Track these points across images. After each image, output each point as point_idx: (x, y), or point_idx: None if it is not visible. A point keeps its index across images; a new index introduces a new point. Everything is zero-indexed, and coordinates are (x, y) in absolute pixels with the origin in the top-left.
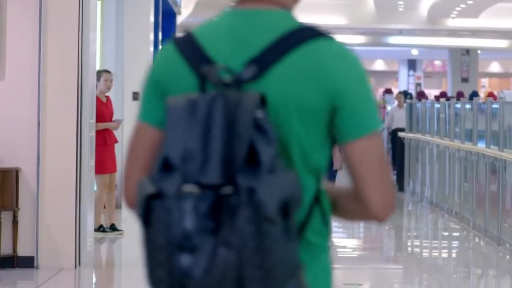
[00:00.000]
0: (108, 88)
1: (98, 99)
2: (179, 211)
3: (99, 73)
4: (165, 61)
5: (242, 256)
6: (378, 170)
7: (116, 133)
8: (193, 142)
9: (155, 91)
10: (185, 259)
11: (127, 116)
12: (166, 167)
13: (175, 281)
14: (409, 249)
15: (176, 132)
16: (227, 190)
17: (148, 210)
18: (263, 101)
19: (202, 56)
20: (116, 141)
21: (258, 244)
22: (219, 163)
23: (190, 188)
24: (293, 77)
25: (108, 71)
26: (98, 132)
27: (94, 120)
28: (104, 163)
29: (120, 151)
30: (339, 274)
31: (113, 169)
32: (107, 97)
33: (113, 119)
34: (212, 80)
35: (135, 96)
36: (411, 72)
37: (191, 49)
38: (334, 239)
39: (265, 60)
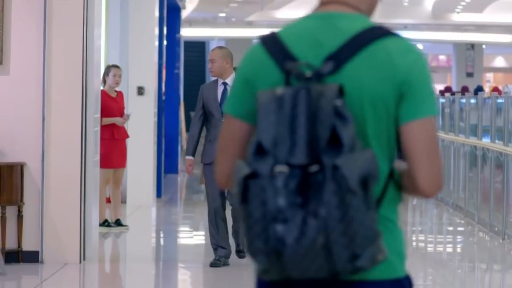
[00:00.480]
0: (117, 83)
1: (106, 94)
2: (272, 188)
3: (108, 68)
4: (254, 59)
5: (328, 224)
6: (428, 151)
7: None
8: (282, 129)
9: (245, 88)
10: (279, 230)
11: (132, 110)
12: (259, 151)
13: (271, 249)
14: (414, 244)
15: (267, 121)
16: (314, 168)
17: (245, 189)
18: (341, 92)
19: (286, 54)
20: (127, 136)
21: (342, 213)
22: (305, 146)
23: (281, 168)
24: (365, 70)
25: (117, 66)
26: (105, 126)
27: (98, 115)
28: (109, 157)
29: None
30: None
31: (120, 164)
32: (118, 92)
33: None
34: (295, 75)
35: (139, 91)
36: None
37: (276, 48)
38: None
39: (341, 56)
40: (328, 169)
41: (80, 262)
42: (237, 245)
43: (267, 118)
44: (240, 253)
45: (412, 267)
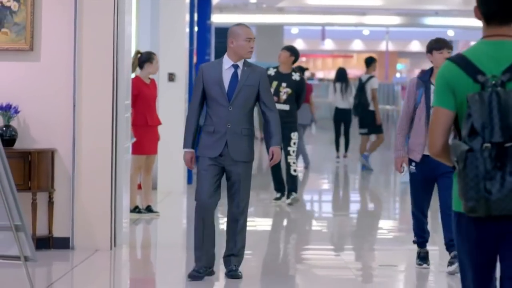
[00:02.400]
0: (157, 70)
1: (141, 81)
2: (482, 158)
3: (150, 54)
4: (451, 72)
5: None
6: None
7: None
8: (484, 119)
9: (448, 90)
10: (487, 184)
11: (163, 97)
12: (471, 133)
13: (481, 197)
14: None
15: (476, 114)
16: (508, 144)
17: (465, 159)
18: None
19: (476, 69)
20: (159, 123)
21: None
22: (500, 130)
23: (487, 145)
24: None
25: (155, 54)
26: (139, 113)
27: (129, 101)
28: (142, 144)
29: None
30: (374, 256)
31: (152, 151)
32: (151, 80)
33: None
34: (486, 83)
35: (170, 77)
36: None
37: (467, 64)
38: (369, 220)
39: None
40: None
41: (110, 248)
42: (229, 266)
43: (476, 112)
44: (233, 272)
45: (443, 254)
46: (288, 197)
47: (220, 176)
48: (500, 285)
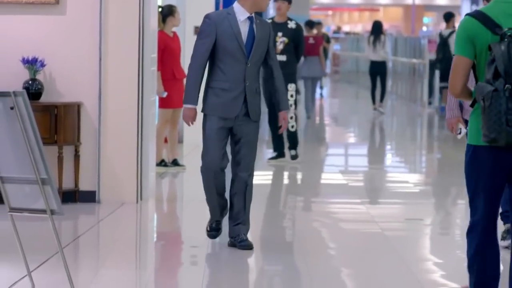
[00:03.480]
0: (179, 23)
1: (165, 35)
2: (504, 97)
3: (171, 7)
4: (472, 25)
5: None
6: None
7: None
8: (506, 64)
9: (468, 40)
10: (508, 118)
11: (189, 50)
12: (495, 76)
13: (503, 129)
14: None
15: (499, 60)
16: None
17: (491, 97)
18: None
19: (494, 23)
20: (185, 76)
21: None
22: None
23: (508, 86)
24: None
25: (176, 6)
26: (166, 67)
27: (155, 55)
28: (169, 97)
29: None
30: (400, 209)
31: (178, 104)
32: (174, 33)
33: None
34: (504, 35)
35: (196, 30)
36: (473, 7)
37: (486, 20)
38: (396, 174)
39: None
40: None
41: (137, 202)
42: (234, 236)
43: (499, 58)
44: (244, 242)
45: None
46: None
47: (227, 139)
48: (510, 205)
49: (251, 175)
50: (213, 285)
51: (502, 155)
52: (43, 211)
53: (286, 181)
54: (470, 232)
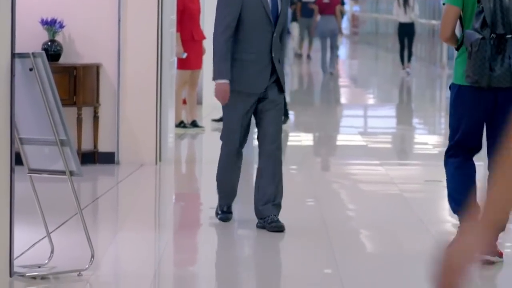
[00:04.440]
0: None
1: None
2: (490, 45)
3: None
4: None
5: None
6: None
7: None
8: (492, 15)
9: None
10: (491, 63)
11: (208, 11)
12: (483, 25)
13: (485, 73)
14: None
15: (486, 11)
16: (508, 36)
17: (478, 44)
18: None
19: None
20: (204, 38)
21: None
22: (502, 25)
23: (493, 35)
24: None
25: None
26: (185, 28)
27: (174, 16)
28: (188, 58)
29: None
30: (419, 171)
31: (197, 66)
32: None
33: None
34: None
35: None
36: None
37: None
38: (415, 136)
39: None
40: None
41: (156, 163)
42: (263, 217)
43: (486, 10)
44: (276, 222)
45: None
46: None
47: (252, 114)
48: (487, 143)
49: (279, 148)
50: (231, 246)
51: (482, 95)
52: (62, 173)
53: (304, 142)
54: (452, 170)
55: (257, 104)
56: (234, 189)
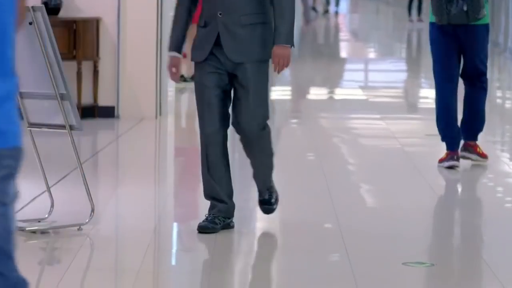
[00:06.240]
0: None
1: None
2: None
3: None
4: None
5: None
6: None
7: None
8: None
9: None
10: (447, 5)
11: None
12: None
13: (444, 13)
14: (492, 100)
15: None
16: None
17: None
18: None
19: None
20: None
21: None
22: None
23: None
24: None
25: None
26: None
27: None
28: None
29: None
30: (420, 125)
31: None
32: None
33: None
34: None
35: None
36: None
37: None
38: (416, 90)
39: None
40: None
41: (156, 117)
42: (260, 193)
43: None
44: (265, 205)
45: (490, 123)
46: None
47: (225, 89)
48: (462, 69)
49: (259, 125)
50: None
51: (448, 30)
52: (62, 127)
53: (305, 96)
54: (436, 93)
55: (231, 81)
56: (224, 194)
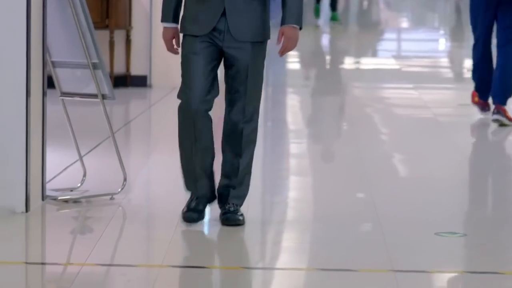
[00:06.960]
0: None
1: None
2: None
3: None
4: None
5: None
6: None
7: None
8: None
9: None
10: None
11: None
12: None
13: None
14: None
15: None
16: None
17: None
18: None
19: None
20: None
21: None
22: None
23: None
24: None
25: None
26: None
27: None
28: None
29: None
30: (453, 95)
31: None
32: None
33: None
34: None
35: None
36: None
37: None
38: (449, 60)
39: None
40: None
41: None
42: (225, 205)
43: None
44: (226, 215)
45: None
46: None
47: (217, 63)
48: (497, 33)
49: (251, 119)
50: (262, 164)
51: None
52: (94, 96)
53: (338, 65)
54: (474, 48)
55: (224, 58)
56: (206, 175)
